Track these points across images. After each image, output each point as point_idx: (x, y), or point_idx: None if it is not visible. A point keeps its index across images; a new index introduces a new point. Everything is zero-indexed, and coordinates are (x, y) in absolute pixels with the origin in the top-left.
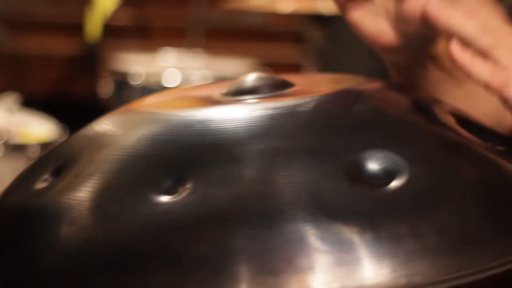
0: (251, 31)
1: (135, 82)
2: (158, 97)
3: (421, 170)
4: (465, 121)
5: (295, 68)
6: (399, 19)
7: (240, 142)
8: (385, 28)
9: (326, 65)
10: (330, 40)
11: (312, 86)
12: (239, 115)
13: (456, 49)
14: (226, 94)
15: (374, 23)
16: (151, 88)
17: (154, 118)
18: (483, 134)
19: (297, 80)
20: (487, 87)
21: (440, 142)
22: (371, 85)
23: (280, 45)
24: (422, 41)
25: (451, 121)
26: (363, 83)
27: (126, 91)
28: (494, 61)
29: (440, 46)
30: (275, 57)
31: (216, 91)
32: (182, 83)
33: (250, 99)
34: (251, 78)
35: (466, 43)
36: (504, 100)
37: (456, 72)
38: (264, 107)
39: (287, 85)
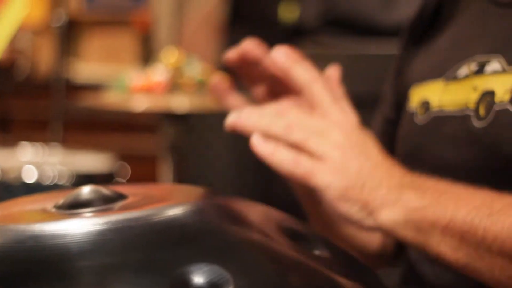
0: (109, 124)
1: None
2: None
3: (246, 283)
4: (296, 233)
5: (152, 160)
6: None
7: (69, 258)
8: None
9: (181, 158)
10: (185, 134)
11: (145, 199)
12: (69, 230)
13: (256, 141)
14: (60, 207)
15: None
16: (10, 184)
17: None
18: (314, 246)
19: (132, 191)
20: (291, 177)
21: (266, 255)
22: (204, 198)
23: (137, 137)
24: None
25: (280, 234)
26: (197, 196)
27: None
28: (309, 152)
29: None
30: (132, 149)
31: (52, 203)
32: (39, 179)
33: (82, 212)
34: (84, 191)
35: (278, 140)
36: (313, 187)
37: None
38: (93, 222)
39: (120, 198)
